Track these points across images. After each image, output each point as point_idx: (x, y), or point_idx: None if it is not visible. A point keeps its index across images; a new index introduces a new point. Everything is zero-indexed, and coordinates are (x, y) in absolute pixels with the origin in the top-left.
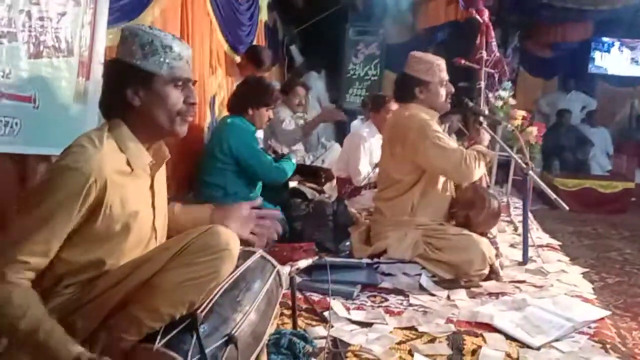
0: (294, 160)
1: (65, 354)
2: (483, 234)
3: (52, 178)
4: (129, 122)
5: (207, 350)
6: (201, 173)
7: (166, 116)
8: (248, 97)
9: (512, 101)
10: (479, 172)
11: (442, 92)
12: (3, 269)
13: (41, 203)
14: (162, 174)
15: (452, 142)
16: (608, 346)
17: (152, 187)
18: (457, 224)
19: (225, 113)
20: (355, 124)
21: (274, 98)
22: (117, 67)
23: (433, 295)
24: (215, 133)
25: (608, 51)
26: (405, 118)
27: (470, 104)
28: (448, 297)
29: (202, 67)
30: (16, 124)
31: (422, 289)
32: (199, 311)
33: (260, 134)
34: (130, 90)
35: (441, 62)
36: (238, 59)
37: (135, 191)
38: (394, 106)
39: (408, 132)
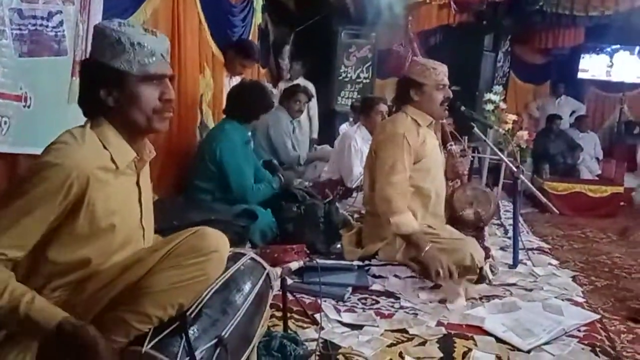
0: (275, 185)
1: (48, 322)
2: (479, 236)
3: (33, 174)
4: (109, 120)
5: (196, 353)
6: (192, 176)
7: (142, 115)
8: (255, 106)
9: (503, 105)
10: (393, 225)
11: (438, 95)
12: None
13: (21, 197)
14: (146, 171)
15: (401, 175)
16: (597, 349)
17: (137, 183)
18: (467, 224)
19: (211, 113)
20: (344, 127)
21: (273, 103)
22: (89, 66)
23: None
24: (208, 137)
25: (598, 57)
26: (389, 120)
27: (463, 107)
28: (439, 300)
29: (192, 68)
30: (5, 122)
31: (413, 291)
32: (187, 313)
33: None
34: (103, 90)
35: (438, 66)
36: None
37: (120, 188)
38: (383, 107)
39: (382, 133)
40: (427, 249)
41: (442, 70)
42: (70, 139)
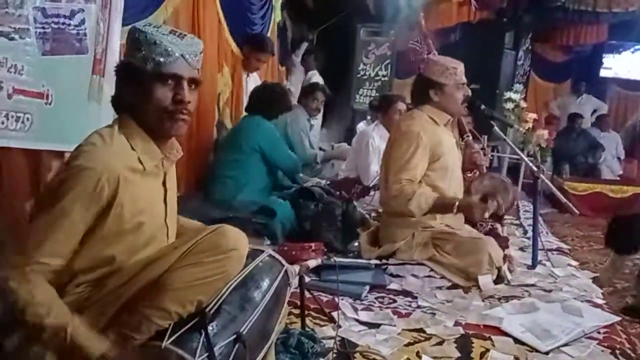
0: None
1: (93, 350)
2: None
3: (66, 178)
4: (135, 118)
5: (215, 348)
6: (215, 167)
7: (153, 114)
8: (279, 105)
9: (523, 104)
10: (416, 208)
11: (458, 95)
12: (25, 269)
13: (57, 203)
14: (172, 170)
15: (411, 172)
16: (617, 352)
17: (164, 183)
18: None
19: (228, 112)
20: (361, 125)
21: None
22: (118, 64)
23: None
24: (240, 131)
25: (621, 55)
26: (404, 118)
27: (482, 106)
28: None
29: (211, 66)
30: (27, 119)
31: (430, 291)
32: (207, 309)
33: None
34: (124, 87)
35: (458, 65)
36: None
37: (147, 188)
38: (401, 106)
39: (397, 131)
40: (457, 203)
41: (461, 69)
42: (99, 140)
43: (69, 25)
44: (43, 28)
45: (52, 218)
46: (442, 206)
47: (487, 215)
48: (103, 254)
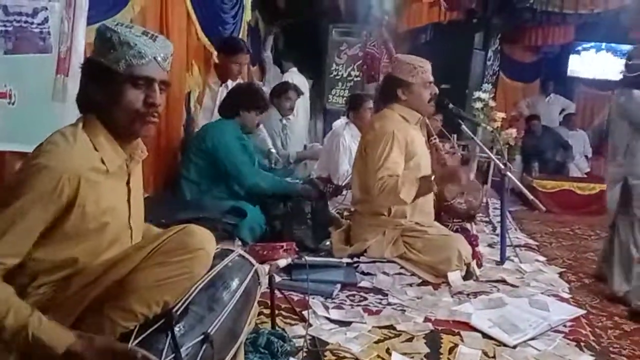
0: (288, 179)
1: (58, 344)
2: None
3: (24, 177)
4: (100, 119)
5: (182, 349)
6: (180, 169)
7: (124, 115)
8: (239, 100)
9: (492, 103)
10: (406, 195)
11: (425, 93)
12: None
13: (14, 203)
14: (137, 170)
15: (390, 170)
16: (582, 344)
17: (128, 183)
18: (459, 212)
19: (200, 110)
20: (337, 124)
21: (264, 103)
22: (86, 62)
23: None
24: (200, 133)
25: (588, 55)
26: (377, 119)
27: (451, 105)
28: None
29: (179, 65)
30: None
31: (401, 288)
32: (174, 310)
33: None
34: (92, 86)
35: (424, 64)
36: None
37: (111, 188)
38: (372, 105)
39: (371, 131)
40: (432, 177)
41: (428, 68)
42: (61, 140)
43: (32, 23)
44: (5, 26)
45: (8, 218)
46: (425, 185)
47: (472, 176)
48: (65, 255)
